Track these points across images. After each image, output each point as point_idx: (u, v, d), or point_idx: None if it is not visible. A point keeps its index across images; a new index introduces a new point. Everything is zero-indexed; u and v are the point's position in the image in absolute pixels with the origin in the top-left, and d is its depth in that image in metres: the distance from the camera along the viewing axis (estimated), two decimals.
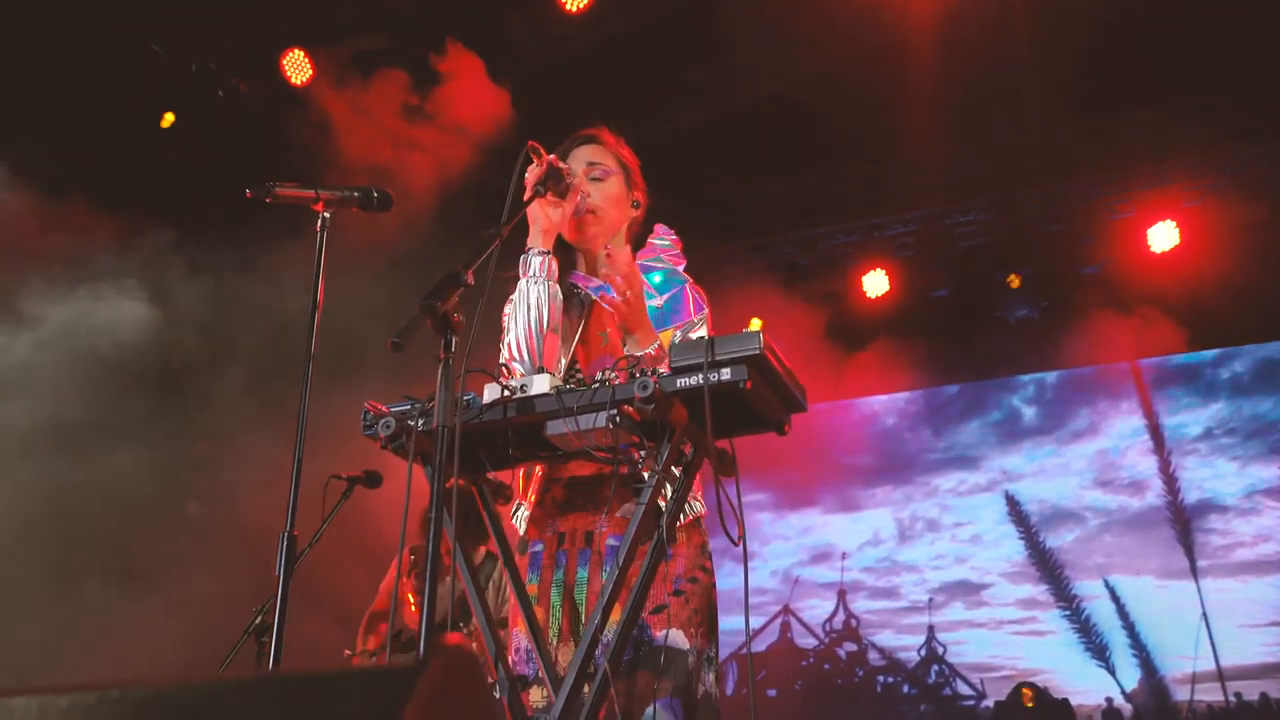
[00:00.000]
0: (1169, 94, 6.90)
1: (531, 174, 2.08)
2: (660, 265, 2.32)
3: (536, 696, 1.96)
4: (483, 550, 4.17)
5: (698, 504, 2.17)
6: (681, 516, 2.06)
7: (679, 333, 2.21)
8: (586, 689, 1.61)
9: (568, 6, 6.37)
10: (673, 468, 1.73)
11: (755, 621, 8.69)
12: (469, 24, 6.60)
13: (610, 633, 1.67)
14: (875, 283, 7.85)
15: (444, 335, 1.55)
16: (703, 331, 2.23)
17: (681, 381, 1.64)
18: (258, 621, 3.08)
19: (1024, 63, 6.73)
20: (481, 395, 1.74)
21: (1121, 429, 8.00)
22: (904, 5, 6.34)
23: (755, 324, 7.70)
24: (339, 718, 0.57)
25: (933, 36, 6.40)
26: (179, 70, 6.62)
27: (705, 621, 2.09)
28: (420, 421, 1.67)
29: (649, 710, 1.92)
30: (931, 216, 7.80)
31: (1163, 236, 7.15)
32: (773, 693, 8.58)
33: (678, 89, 7.12)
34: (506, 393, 1.72)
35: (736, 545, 1.64)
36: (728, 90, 7.18)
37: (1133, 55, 6.51)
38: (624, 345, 2.09)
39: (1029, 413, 8.41)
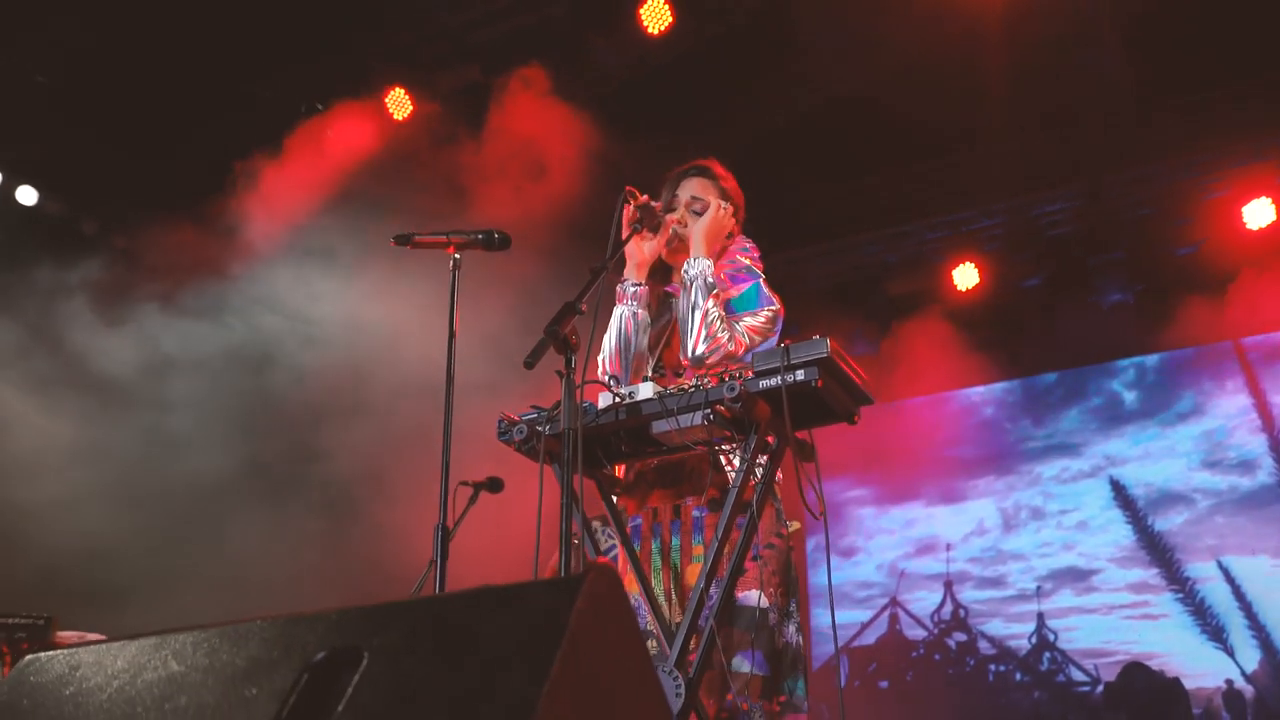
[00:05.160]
0: (1259, 66, 6.83)
1: (628, 214, 2.41)
2: (737, 265, 2.63)
3: (649, 646, 2.26)
4: None
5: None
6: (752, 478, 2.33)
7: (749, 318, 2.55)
8: (694, 642, 1.90)
9: (649, 29, 6.63)
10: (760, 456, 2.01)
11: (863, 615, 8.83)
12: (553, 50, 6.92)
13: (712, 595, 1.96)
14: (965, 276, 7.94)
15: (564, 354, 1.87)
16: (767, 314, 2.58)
17: (763, 383, 1.92)
18: None
19: (1106, 44, 6.74)
20: (596, 402, 2.05)
21: (1228, 408, 7.91)
22: None
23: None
24: (523, 614, 0.84)
25: (1009, 22, 6.43)
26: (287, 111, 7.08)
27: (783, 582, 2.36)
28: (547, 427, 1.98)
29: (735, 659, 2.21)
30: (1018, 207, 7.86)
31: (1259, 213, 7.11)
32: (884, 684, 8.70)
33: (758, 95, 7.31)
34: (617, 399, 2.02)
35: (817, 519, 1.90)
36: (807, 93, 7.34)
37: (1219, 28, 6.49)
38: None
39: (1130, 397, 8.37)
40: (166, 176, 6.45)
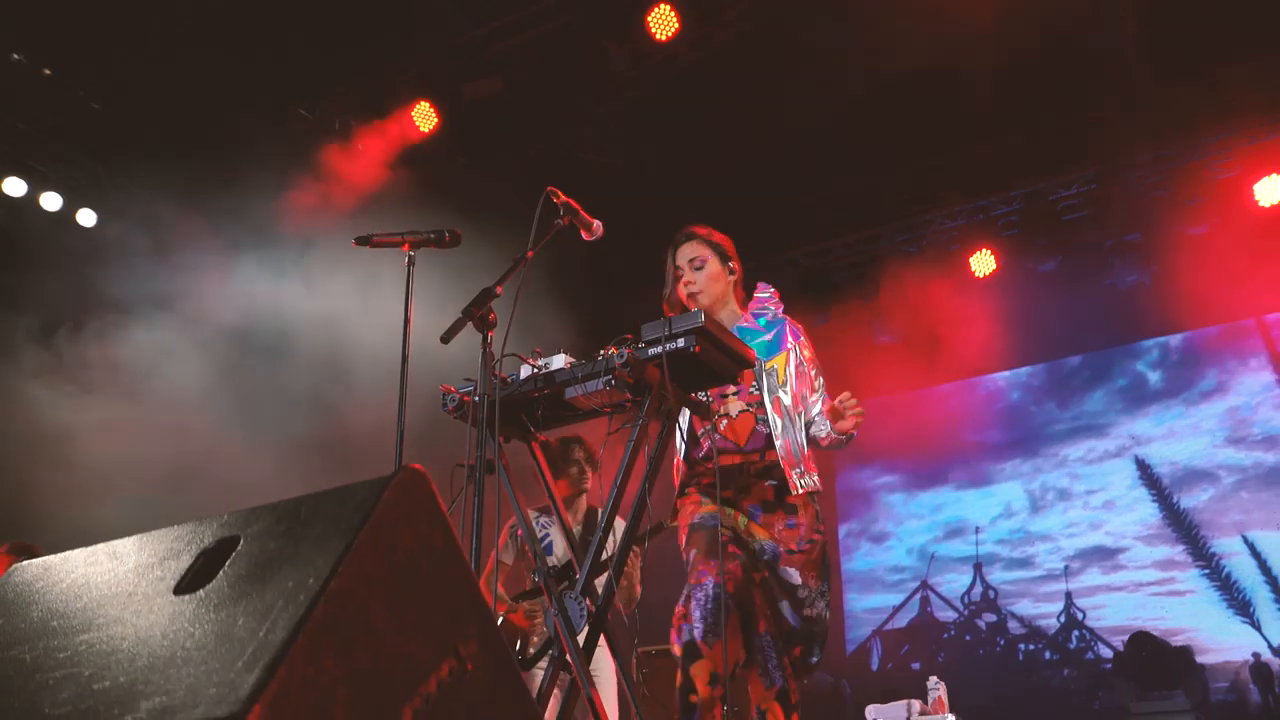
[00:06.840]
0: (1266, 44, 6.88)
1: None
2: (765, 312, 3.25)
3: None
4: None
5: (815, 479, 3.08)
6: (801, 488, 3.03)
7: (791, 355, 3.18)
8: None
9: (657, 36, 6.90)
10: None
11: (895, 598, 9.00)
12: (568, 58, 7.21)
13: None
14: (983, 262, 8.09)
15: (482, 332, 2.19)
16: (806, 354, 3.24)
17: (651, 350, 2.23)
18: None
19: (1118, 26, 6.85)
20: (519, 374, 2.36)
21: (1251, 385, 7.96)
22: None
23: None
24: (349, 502, 1.16)
25: (1020, 9, 6.53)
26: (323, 130, 7.49)
27: (818, 568, 3.06)
28: (477, 396, 2.30)
29: (779, 607, 3.00)
30: (1034, 193, 7.98)
31: (1269, 191, 7.17)
32: (917, 665, 8.86)
33: (777, 95, 7.52)
34: (535, 370, 2.34)
35: (710, 467, 2.18)
36: (823, 92, 7.54)
37: (1228, 6, 6.57)
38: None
39: (1154, 377, 8.44)
40: (212, 191, 6.87)
